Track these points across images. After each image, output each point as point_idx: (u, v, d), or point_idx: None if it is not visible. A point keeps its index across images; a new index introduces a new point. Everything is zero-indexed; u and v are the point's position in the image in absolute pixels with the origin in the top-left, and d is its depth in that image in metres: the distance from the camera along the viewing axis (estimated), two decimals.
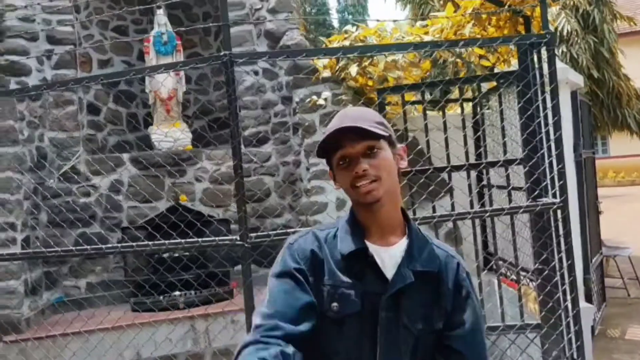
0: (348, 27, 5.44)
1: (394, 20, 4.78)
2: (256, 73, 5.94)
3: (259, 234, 2.85)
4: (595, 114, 8.08)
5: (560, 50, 7.18)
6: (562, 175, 3.01)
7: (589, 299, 6.05)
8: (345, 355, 1.39)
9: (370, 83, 5.40)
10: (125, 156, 5.66)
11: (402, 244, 1.42)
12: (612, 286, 8.06)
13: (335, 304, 1.38)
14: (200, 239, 2.93)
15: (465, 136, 4.33)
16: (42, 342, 4.43)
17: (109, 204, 5.47)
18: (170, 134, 5.89)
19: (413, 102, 4.64)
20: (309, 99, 5.21)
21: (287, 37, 5.77)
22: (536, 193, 3.14)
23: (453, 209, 3.59)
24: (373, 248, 1.41)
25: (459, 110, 4.88)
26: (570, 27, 7.09)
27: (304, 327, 1.33)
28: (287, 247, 1.44)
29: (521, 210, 3.02)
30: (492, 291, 4.77)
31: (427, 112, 4.72)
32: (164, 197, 5.63)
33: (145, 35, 6.08)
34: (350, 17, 24.92)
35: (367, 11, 26.49)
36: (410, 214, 1.89)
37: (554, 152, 3.15)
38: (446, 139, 4.10)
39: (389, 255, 1.41)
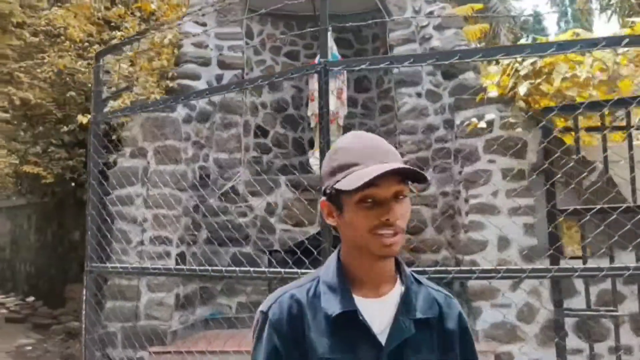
0: (522, 39, 4.72)
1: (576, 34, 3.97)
2: (418, 95, 5.50)
3: (413, 269, 2.41)
4: None
5: None
6: None
7: None
8: None
9: (543, 103, 4.61)
10: (282, 178, 5.64)
11: (395, 292, 1.24)
12: None
13: None
14: None
15: None
16: (183, 357, 4.51)
17: (263, 226, 5.49)
18: None
19: (590, 129, 3.78)
20: (467, 122, 4.61)
21: None
22: None
23: None
24: (363, 303, 1.21)
25: None
26: None
27: None
28: (266, 322, 1.22)
29: None
30: None
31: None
32: (316, 222, 5.46)
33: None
34: (567, 23, 22.24)
35: (590, 13, 23.77)
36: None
37: None
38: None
39: (380, 307, 1.22)
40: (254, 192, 5.61)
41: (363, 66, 2.50)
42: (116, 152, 5.24)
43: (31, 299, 10.63)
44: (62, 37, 7.35)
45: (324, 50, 2.54)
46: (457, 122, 4.91)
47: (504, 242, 4.59)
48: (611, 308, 3.74)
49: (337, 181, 1.19)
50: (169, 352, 4.62)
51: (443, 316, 1.28)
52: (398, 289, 1.25)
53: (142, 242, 4.97)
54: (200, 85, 5.60)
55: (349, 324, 1.18)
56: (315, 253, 4.18)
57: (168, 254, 4.94)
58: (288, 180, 5.62)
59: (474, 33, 6.95)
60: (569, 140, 4.53)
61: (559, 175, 3.68)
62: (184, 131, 5.25)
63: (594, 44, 2.43)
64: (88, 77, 7.03)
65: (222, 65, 5.81)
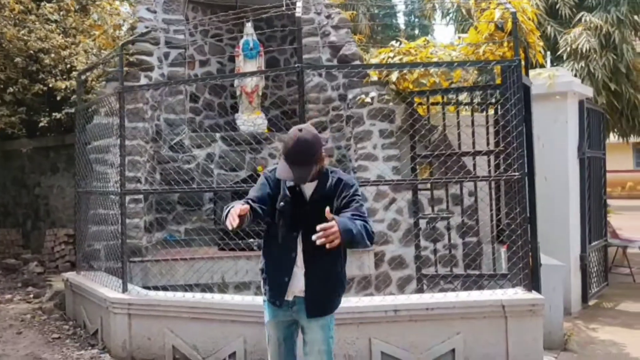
0: (392, 42, 6.93)
1: (426, 41, 6.27)
2: (320, 75, 7.55)
3: None
4: (613, 121, 9.24)
5: (579, 66, 8.41)
6: (520, 157, 4.44)
7: (584, 274, 7.33)
8: (282, 230, 2.91)
9: (410, 86, 6.87)
10: (217, 135, 7.40)
11: (315, 182, 2.89)
12: (620, 272, 9.20)
13: (281, 202, 2.89)
14: None
15: (473, 132, 5.84)
16: (158, 264, 6.21)
17: (204, 171, 7.24)
18: (252, 120, 7.60)
19: (433, 104, 6.16)
20: (358, 97, 6.76)
21: (345, 48, 7.36)
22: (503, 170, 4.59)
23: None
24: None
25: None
26: (589, 46, 8.29)
27: (264, 203, 2.85)
28: (264, 173, 3.04)
29: (490, 178, 4.48)
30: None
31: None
32: (245, 168, 7.34)
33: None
34: (416, 20, 26.05)
35: (433, 14, 27.58)
36: None
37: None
38: (459, 134, 5.63)
39: (308, 186, 2.89)
40: (196, 145, 7.33)
41: (325, 70, 4.47)
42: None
43: None
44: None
45: (300, 58, 4.45)
46: (350, 96, 7.04)
47: (380, 179, 6.84)
48: (447, 214, 6.17)
49: (278, 163, 2.81)
50: (148, 261, 6.29)
51: (340, 183, 2.85)
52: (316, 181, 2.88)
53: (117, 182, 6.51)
54: (153, 60, 7.13)
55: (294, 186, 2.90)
56: (245, 187, 6.13)
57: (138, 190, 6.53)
58: (223, 136, 7.40)
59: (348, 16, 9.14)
60: (421, 111, 6.88)
61: (419, 135, 5.99)
62: (144, 96, 6.79)
63: (447, 64, 4.67)
64: (32, 44, 8.10)
65: (169, 45, 7.36)
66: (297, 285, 2.91)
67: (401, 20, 25.34)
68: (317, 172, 2.82)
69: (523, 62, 5.79)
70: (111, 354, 5.03)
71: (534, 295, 4.37)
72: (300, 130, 2.76)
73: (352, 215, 2.70)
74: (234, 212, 2.58)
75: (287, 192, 2.89)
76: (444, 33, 38.84)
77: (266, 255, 3.06)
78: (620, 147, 25.02)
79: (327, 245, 2.42)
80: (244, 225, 2.64)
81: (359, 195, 2.85)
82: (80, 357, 5.06)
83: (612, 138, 11.19)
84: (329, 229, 2.42)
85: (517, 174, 4.47)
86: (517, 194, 4.51)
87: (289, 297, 2.93)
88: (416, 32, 24.99)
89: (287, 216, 2.90)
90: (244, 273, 6.34)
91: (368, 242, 2.68)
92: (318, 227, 2.42)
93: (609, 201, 9.40)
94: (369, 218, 2.83)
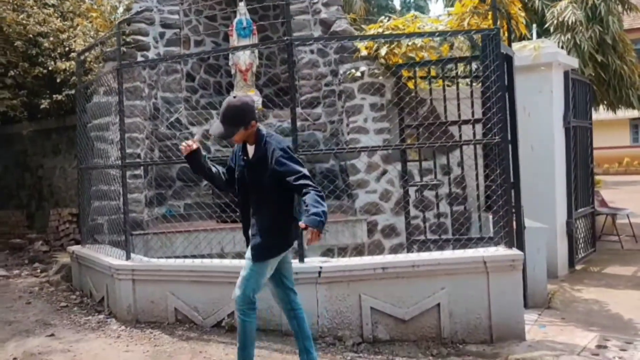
0: (381, 17, 7.13)
1: (414, 16, 6.47)
2: (312, 52, 7.75)
3: (305, 149, 4.68)
4: (600, 92, 9.45)
5: (565, 38, 8.60)
6: (500, 121, 4.66)
7: (571, 239, 7.60)
8: (240, 191, 3.69)
9: (399, 61, 7.07)
10: (214, 112, 7.62)
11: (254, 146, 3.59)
12: (609, 240, 9.46)
13: (238, 168, 3.65)
14: None
15: (458, 103, 6.07)
16: (158, 236, 6.47)
17: (202, 147, 7.46)
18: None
19: (422, 77, 6.38)
20: (349, 72, 6.98)
21: (336, 24, 7.54)
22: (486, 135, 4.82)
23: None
24: (248, 147, 3.62)
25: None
26: (575, 18, 8.48)
27: (228, 170, 3.79)
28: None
29: (472, 142, 4.72)
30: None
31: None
32: None
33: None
34: (411, 1, 26.26)
35: None
36: None
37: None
38: (445, 108, 5.87)
39: (251, 148, 3.58)
40: (192, 122, 7.56)
41: (316, 42, 4.68)
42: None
43: None
44: None
45: (289, 31, 4.66)
46: (341, 72, 7.24)
47: (371, 152, 7.06)
48: (435, 182, 6.41)
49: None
50: (148, 234, 6.55)
51: (270, 147, 3.48)
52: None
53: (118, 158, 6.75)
54: (149, 40, 7.33)
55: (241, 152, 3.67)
56: None
57: (138, 165, 6.77)
58: (217, 113, 7.60)
59: None
60: (410, 85, 7.10)
61: (407, 109, 6.21)
62: (141, 75, 7.00)
63: (429, 34, 4.88)
64: (31, 29, 8.29)
65: (164, 25, 7.56)
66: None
67: (397, 1, 25.49)
68: (255, 137, 3.53)
69: (506, 34, 6.03)
70: (117, 318, 5.31)
71: (513, 251, 4.62)
72: (234, 97, 3.54)
73: (294, 180, 3.36)
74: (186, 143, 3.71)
75: (241, 157, 3.64)
76: (440, 11, 38.86)
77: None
78: (617, 122, 25.31)
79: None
80: (200, 162, 3.72)
81: (286, 156, 3.45)
82: (87, 322, 5.34)
83: (604, 113, 11.41)
84: (311, 240, 3.21)
85: (497, 138, 4.70)
86: (497, 156, 4.74)
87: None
88: (412, 12, 25.08)
89: (241, 177, 3.66)
90: (243, 244, 6.58)
91: (324, 204, 3.28)
92: (305, 241, 3.65)
93: (604, 176, 9.65)
94: (304, 168, 3.46)
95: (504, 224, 4.67)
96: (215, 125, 3.54)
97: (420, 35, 4.94)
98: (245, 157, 3.62)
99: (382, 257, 4.71)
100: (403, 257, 4.66)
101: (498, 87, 4.69)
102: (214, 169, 3.79)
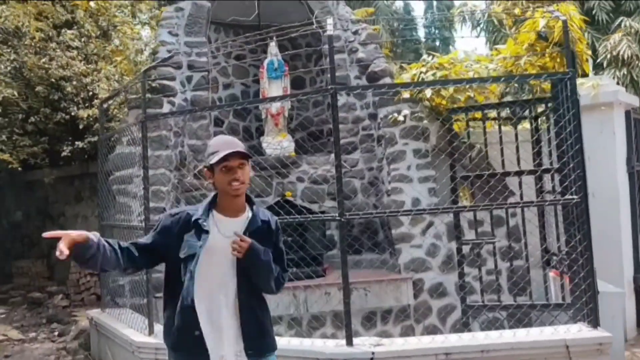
0: (424, 56, 6.57)
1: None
2: (348, 94, 7.21)
3: (351, 212, 4.07)
4: None
5: (621, 73, 7.94)
6: (579, 178, 4.02)
7: (638, 296, 6.80)
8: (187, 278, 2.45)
9: (444, 102, 6.48)
10: None
11: (245, 214, 2.52)
12: None
13: (190, 250, 2.44)
14: (310, 216, 4.20)
15: (517, 147, 5.43)
16: None
17: None
18: (278, 143, 7.28)
19: (471, 119, 5.76)
20: (390, 116, 6.40)
21: (374, 64, 7.01)
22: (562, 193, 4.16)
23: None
24: (223, 219, 2.47)
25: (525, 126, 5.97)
26: (630, 52, 7.83)
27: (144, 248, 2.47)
28: (164, 215, 2.59)
29: (547, 202, 4.06)
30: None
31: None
32: (272, 193, 7.01)
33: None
34: (436, 31, 25.73)
35: (454, 25, 27.16)
36: None
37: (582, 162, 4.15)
38: (502, 149, 5.21)
39: (236, 222, 2.48)
40: None
41: (357, 91, 4.12)
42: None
43: None
44: (17, 34, 8.11)
45: (333, 80, 4.11)
46: (381, 115, 6.68)
47: (416, 202, 6.42)
48: (491, 238, 5.74)
49: (210, 159, 2.36)
50: None
51: (270, 223, 2.56)
52: (247, 213, 2.52)
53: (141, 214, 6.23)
54: (176, 84, 6.88)
55: (200, 226, 2.43)
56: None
57: None
58: None
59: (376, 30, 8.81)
60: (457, 128, 6.49)
61: (456, 155, 5.59)
62: (167, 123, 6.52)
63: (494, 80, 4.29)
64: (53, 73, 7.92)
65: (191, 67, 7.11)
66: None
67: (421, 32, 25.04)
68: (246, 200, 2.56)
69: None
70: None
71: (600, 332, 3.92)
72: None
73: (282, 271, 2.63)
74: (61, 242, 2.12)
75: (191, 232, 2.46)
76: (466, 43, 38.42)
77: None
78: None
79: (234, 253, 2.37)
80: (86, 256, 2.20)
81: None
82: None
83: None
84: (234, 249, 2.36)
85: (575, 197, 4.04)
86: (576, 219, 4.07)
87: None
88: (437, 43, 24.62)
89: (198, 260, 2.46)
90: (276, 309, 5.97)
91: (273, 285, 2.53)
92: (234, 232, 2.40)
93: None
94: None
95: (587, 298, 3.98)
96: (235, 143, 2.48)
97: (483, 80, 4.34)
98: (220, 232, 2.47)
99: (444, 338, 4.04)
100: (468, 339, 3.97)
101: (576, 139, 4.05)
102: (114, 252, 2.37)
